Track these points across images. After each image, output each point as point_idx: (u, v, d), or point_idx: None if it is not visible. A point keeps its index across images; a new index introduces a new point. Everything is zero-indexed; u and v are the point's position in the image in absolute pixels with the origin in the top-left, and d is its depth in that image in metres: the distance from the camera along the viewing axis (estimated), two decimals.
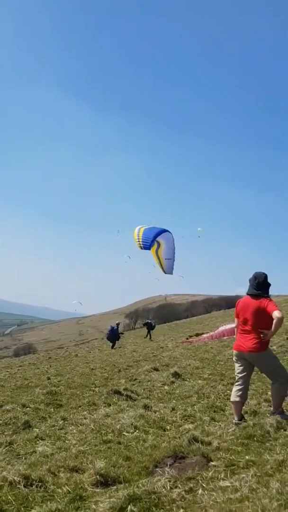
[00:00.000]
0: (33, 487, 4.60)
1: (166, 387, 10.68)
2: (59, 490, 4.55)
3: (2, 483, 4.65)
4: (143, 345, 27.01)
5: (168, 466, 4.80)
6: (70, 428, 7.46)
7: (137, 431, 6.77)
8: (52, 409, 9.34)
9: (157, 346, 24.46)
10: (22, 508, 4.17)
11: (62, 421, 8.03)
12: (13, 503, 4.26)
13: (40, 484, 4.66)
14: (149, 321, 39.67)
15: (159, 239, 18.04)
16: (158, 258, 18.51)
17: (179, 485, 4.26)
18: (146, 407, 8.32)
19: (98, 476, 4.70)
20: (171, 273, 18.80)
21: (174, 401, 9.03)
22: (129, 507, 3.91)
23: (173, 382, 11.18)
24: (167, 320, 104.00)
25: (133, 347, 26.40)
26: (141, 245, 17.67)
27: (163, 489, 4.19)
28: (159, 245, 18.30)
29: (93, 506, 4.13)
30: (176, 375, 11.80)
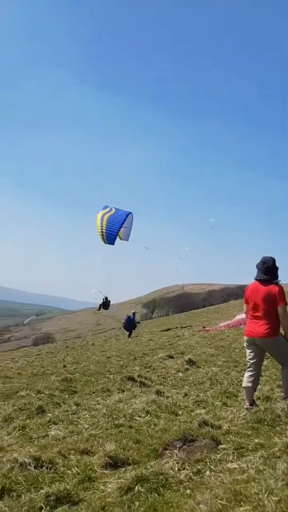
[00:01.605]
0: (43, 468, 4.68)
1: (180, 374, 10.72)
2: (69, 472, 4.62)
3: (13, 464, 4.73)
4: (160, 334, 27.05)
5: (177, 448, 4.83)
6: (83, 413, 7.53)
7: (148, 415, 6.82)
8: (66, 395, 9.43)
9: (173, 335, 24.50)
10: (32, 489, 4.23)
11: (76, 406, 8.10)
12: (23, 483, 4.33)
13: (50, 465, 4.74)
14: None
15: None
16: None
17: (187, 467, 4.29)
18: (159, 392, 8.37)
19: (107, 458, 4.77)
20: (127, 240, 18.46)
21: (187, 387, 9.06)
22: (137, 487, 3.95)
23: (187, 369, 11.21)
24: (184, 309, 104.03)
25: (150, 336, 26.47)
26: (105, 240, 16.90)
27: (171, 471, 4.22)
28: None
29: (102, 487, 4.19)
30: (190, 362, 11.83)
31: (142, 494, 3.86)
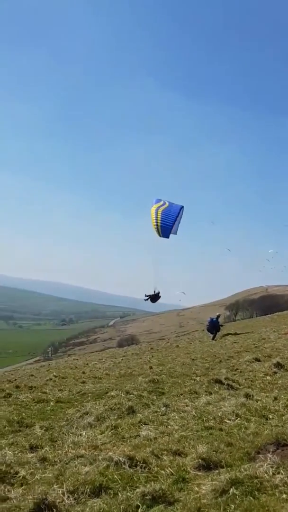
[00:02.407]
0: (137, 467, 4.83)
1: (268, 377, 10.52)
2: (162, 472, 4.73)
3: (108, 462, 4.92)
4: (244, 337, 26.64)
5: (271, 452, 4.79)
6: (172, 414, 7.63)
7: (238, 418, 6.77)
8: (154, 397, 9.57)
9: (258, 338, 24.04)
10: (128, 487, 4.38)
11: (164, 407, 8.21)
12: (119, 481, 4.50)
13: (144, 465, 4.88)
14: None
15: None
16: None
17: (282, 471, 4.24)
18: (247, 396, 8.28)
19: (200, 460, 4.83)
20: (176, 233, 18.21)
21: (276, 391, 8.87)
22: (231, 490, 3.97)
23: (275, 373, 10.97)
24: (269, 312, 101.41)
25: (234, 339, 26.13)
26: (160, 232, 16.83)
27: (265, 475, 4.20)
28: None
29: (196, 488, 4.24)
30: (278, 365, 11.56)
31: (237, 497, 3.87)
